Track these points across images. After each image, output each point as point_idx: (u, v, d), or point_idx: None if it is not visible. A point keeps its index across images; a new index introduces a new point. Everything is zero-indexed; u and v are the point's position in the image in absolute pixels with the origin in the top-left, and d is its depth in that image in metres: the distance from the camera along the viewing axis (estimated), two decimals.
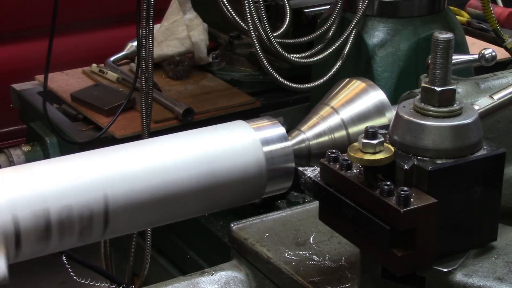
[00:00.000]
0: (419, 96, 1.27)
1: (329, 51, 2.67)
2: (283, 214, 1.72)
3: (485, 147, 1.26)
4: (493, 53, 1.52)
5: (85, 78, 3.33)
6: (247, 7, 2.51)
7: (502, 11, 3.33)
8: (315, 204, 1.59)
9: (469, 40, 3.00)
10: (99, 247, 3.12)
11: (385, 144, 1.23)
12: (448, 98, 1.25)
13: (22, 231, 1.22)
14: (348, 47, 2.66)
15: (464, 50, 2.78)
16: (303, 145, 1.44)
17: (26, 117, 3.21)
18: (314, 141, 1.45)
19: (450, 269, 1.25)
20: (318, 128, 1.45)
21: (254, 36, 2.56)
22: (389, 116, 1.43)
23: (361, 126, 1.43)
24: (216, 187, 1.36)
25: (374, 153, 1.21)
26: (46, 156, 2.92)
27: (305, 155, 1.45)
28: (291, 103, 3.18)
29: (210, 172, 1.35)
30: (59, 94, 3.15)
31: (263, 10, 2.59)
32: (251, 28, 2.54)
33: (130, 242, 2.88)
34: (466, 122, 1.24)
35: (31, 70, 3.35)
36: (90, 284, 1.89)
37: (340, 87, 1.49)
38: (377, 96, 1.46)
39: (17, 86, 3.31)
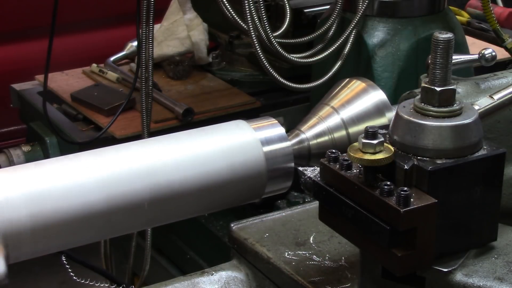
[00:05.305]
0: (419, 96, 1.27)
1: (329, 51, 2.67)
2: (283, 214, 1.72)
3: (485, 147, 1.26)
4: (493, 53, 1.52)
5: (85, 78, 3.33)
6: (247, 7, 2.51)
7: (502, 11, 3.33)
8: (315, 204, 1.59)
9: (469, 40, 3.00)
10: (99, 247, 3.12)
11: (385, 144, 1.23)
12: (448, 98, 1.25)
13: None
14: (348, 47, 2.66)
15: (464, 50, 2.78)
16: (303, 145, 1.44)
17: (26, 117, 3.21)
18: (314, 141, 1.45)
19: (450, 269, 1.25)
20: (318, 128, 1.45)
21: (254, 36, 2.56)
22: (389, 116, 1.43)
23: (361, 126, 1.43)
24: (216, 187, 1.36)
25: (374, 153, 1.21)
26: (46, 156, 2.92)
27: (305, 155, 1.45)
28: (291, 103, 3.18)
29: (210, 172, 1.35)
30: (59, 94, 3.15)
31: (263, 10, 2.59)
32: (251, 28, 2.54)
33: (130, 242, 2.88)
34: (466, 122, 1.24)
35: (31, 70, 3.35)
36: (90, 284, 1.89)
37: (340, 87, 1.49)
38: (377, 96, 1.46)
39: (17, 86, 3.31)
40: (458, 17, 3.08)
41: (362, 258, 1.36)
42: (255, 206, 2.74)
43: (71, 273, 1.81)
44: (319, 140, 1.45)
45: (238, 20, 2.65)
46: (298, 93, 3.09)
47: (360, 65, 2.70)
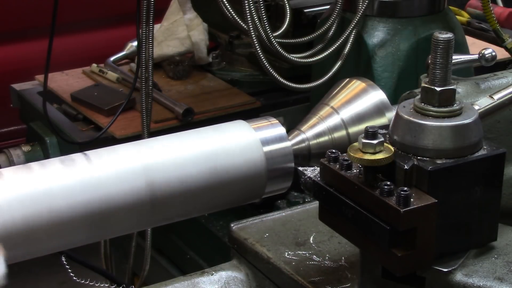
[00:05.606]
0: (419, 96, 1.27)
1: (329, 51, 2.67)
2: (283, 214, 1.72)
3: (485, 147, 1.26)
4: (493, 53, 1.52)
5: (85, 78, 3.33)
6: (247, 7, 2.51)
7: (502, 11, 3.33)
8: (315, 204, 1.59)
9: (469, 40, 3.00)
10: (99, 247, 3.12)
11: (385, 144, 1.23)
12: (448, 98, 1.25)
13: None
14: (348, 47, 2.66)
15: (464, 50, 2.78)
16: (303, 145, 1.44)
17: (26, 117, 3.21)
18: (314, 141, 1.45)
19: (450, 269, 1.25)
20: (318, 128, 1.45)
21: (254, 36, 2.56)
22: (389, 116, 1.43)
23: (361, 126, 1.43)
24: (216, 187, 1.36)
25: (374, 153, 1.21)
26: (46, 156, 2.92)
27: (305, 155, 1.45)
28: (291, 103, 3.18)
29: (210, 172, 1.35)
30: (59, 94, 3.15)
31: (263, 10, 2.59)
32: (251, 28, 2.54)
33: (130, 242, 2.88)
34: (466, 122, 1.24)
35: (31, 70, 3.35)
36: (90, 284, 1.89)
37: (340, 87, 1.49)
38: (377, 96, 1.46)
39: (17, 86, 3.31)
40: (458, 17, 3.08)
41: (362, 258, 1.36)
42: (255, 206, 2.74)
43: (71, 273, 1.81)
44: (319, 140, 1.45)
45: (238, 20, 2.65)
46: (298, 93, 3.09)
47: (360, 65, 2.70)
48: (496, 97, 1.36)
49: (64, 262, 1.83)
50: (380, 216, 1.19)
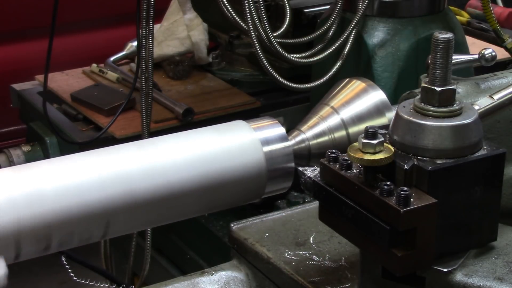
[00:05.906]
0: (419, 96, 1.27)
1: (329, 51, 2.67)
2: (283, 214, 1.72)
3: (485, 147, 1.26)
4: (493, 53, 1.52)
5: (85, 78, 3.33)
6: (247, 7, 2.51)
7: (502, 11, 3.33)
8: (315, 204, 1.59)
9: (469, 40, 3.00)
10: (99, 247, 3.12)
11: (385, 144, 1.23)
12: (448, 98, 1.25)
13: (22, 232, 1.22)
14: (348, 47, 2.66)
15: (464, 50, 2.78)
16: (303, 145, 1.44)
17: (26, 117, 3.21)
18: (314, 141, 1.45)
19: (450, 269, 1.25)
20: (318, 128, 1.45)
21: (254, 36, 2.56)
22: (389, 116, 1.43)
23: (361, 126, 1.43)
24: (216, 187, 1.36)
25: (374, 153, 1.21)
26: (46, 156, 2.92)
27: (305, 155, 1.45)
28: (291, 103, 3.18)
29: (210, 172, 1.35)
30: (59, 94, 3.15)
31: (263, 10, 2.59)
32: (251, 28, 2.54)
33: (130, 242, 2.88)
34: (466, 122, 1.24)
35: (31, 70, 3.35)
36: (90, 284, 1.89)
37: (340, 87, 1.49)
38: (377, 96, 1.46)
39: (17, 86, 3.31)
40: (458, 17, 3.08)
41: (362, 258, 1.36)
42: (255, 206, 2.74)
43: (71, 273, 1.81)
44: (319, 140, 1.45)
45: (238, 20, 2.65)
46: (298, 93, 3.09)
47: (360, 65, 2.70)
48: (496, 97, 1.36)
49: (64, 262, 1.83)
50: (380, 216, 1.19)
